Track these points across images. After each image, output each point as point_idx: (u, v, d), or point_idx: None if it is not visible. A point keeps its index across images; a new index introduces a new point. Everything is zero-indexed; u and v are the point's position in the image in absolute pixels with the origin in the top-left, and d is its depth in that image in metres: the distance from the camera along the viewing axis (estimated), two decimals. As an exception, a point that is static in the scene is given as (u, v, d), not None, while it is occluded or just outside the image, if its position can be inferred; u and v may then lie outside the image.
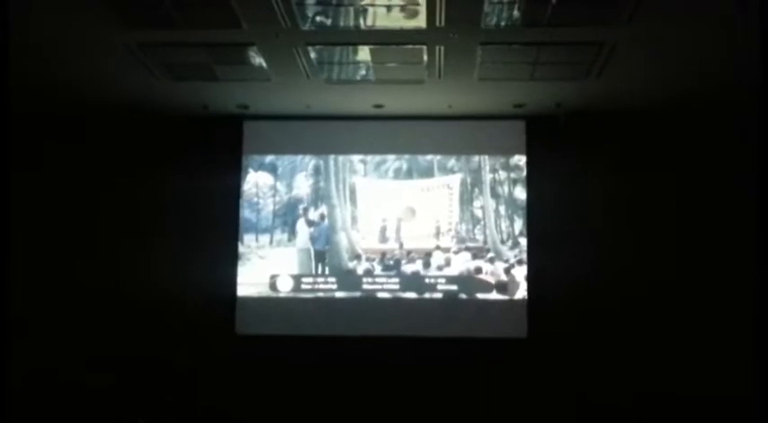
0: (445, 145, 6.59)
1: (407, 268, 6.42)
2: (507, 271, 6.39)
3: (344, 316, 6.41)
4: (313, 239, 6.56)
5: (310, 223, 6.60)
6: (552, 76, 5.45)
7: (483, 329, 6.30)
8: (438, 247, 6.44)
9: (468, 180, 6.57)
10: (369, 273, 6.44)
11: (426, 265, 6.42)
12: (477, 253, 6.41)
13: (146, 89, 5.85)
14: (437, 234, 6.50)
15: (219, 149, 6.63)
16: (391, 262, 6.44)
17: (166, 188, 6.60)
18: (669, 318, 6.14)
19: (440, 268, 6.40)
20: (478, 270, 6.39)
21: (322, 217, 6.60)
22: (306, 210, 6.61)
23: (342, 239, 6.53)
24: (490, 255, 6.40)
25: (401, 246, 6.49)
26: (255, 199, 6.63)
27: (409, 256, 6.44)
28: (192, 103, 6.21)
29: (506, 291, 6.39)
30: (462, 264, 6.41)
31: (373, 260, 6.46)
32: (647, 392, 5.85)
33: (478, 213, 6.50)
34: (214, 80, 5.63)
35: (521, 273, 6.39)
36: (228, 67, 5.39)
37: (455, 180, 6.58)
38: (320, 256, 6.52)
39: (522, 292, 6.38)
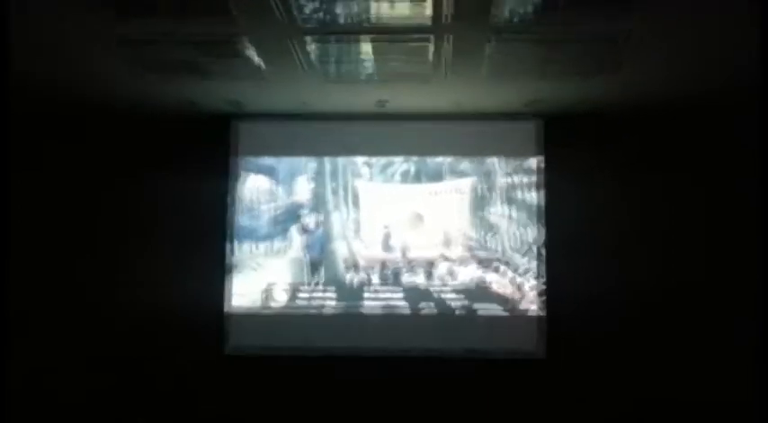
0: (453, 146, 6.37)
1: (407, 279, 6.23)
2: (521, 283, 6.18)
3: (343, 331, 6.20)
4: (307, 248, 6.37)
5: (304, 230, 6.40)
6: (568, 71, 5.23)
7: (497, 347, 6.08)
8: (444, 257, 6.24)
9: (481, 184, 6.33)
10: (368, 284, 6.25)
11: (429, 275, 6.22)
12: (487, 263, 6.21)
13: (124, 86, 5.62)
14: (446, 242, 6.28)
15: (208, 151, 6.40)
16: (389, 273, 6.25)
17: (149, 193, 6.41)
18: (702, 331, 5.93)
19: (442, 279, 6.20)
20: (486, 282, 6.19)
21: (317, 224, 6.43)
22: (299, 216, 6.42)
23: (338, 248, 6.32)
24: (501, 266, 6.19)
25: (404, 255, 6.28)
26: (253, 204, 6.41)
27: (411, 266, 6.25)
28: (178, 100, 5.99)
29: (521, 305, 6.16)
30: (468, 275, 6.20)
31: (371, 270, 6.28)
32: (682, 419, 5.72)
33: (491, 220, 6.28)
34: (202, 76, 5.37)
35: (537, 285, 6.15)
36: (217, 62, 5.15)
37: (466, 184, 6.33)
38: (314, 266, 6.32)
39: (539, 307, 6.12)
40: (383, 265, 6.28)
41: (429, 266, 6.25)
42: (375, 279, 6.26)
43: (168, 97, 5.96)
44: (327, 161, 6.46)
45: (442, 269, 6.25)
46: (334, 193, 6.42)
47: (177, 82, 5.59)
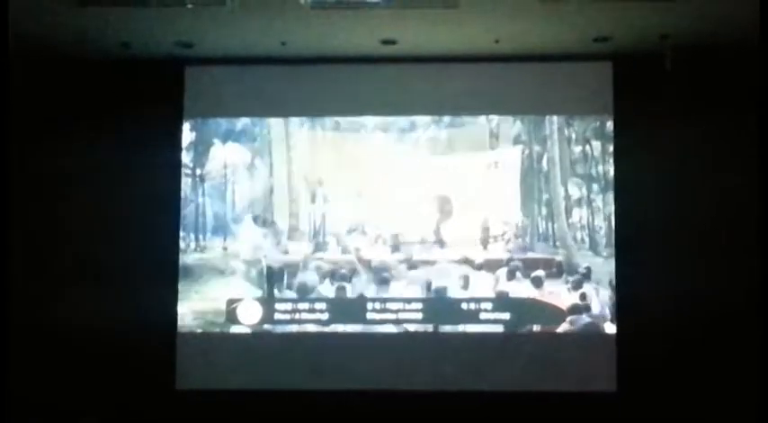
0: (490, 100, 6.11)
1: (396, 291, 5.89)
2: (580, 291, 5.82)
3: (340, 360, 5.92)
4: (263, 247, 6.09)
5: (263, 222, 6.10)
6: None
7: (550, 379, 5.76)
8: (466, 261, 5.87)
9: (534, 155, 6.06)
10: (373, 298, 5.95)
11: (427, 288, 5.88)
12: (527, 267, 5.85)
13: (38, 19, 5.31)
14: (484, 239, 5.92)
15: (150, 109, 6.05)
16: (372, 280, 5.89)
17: (71, 167, 6.06)
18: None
19: (439, 292, 5.85)
20: (503, 294, 5.85)
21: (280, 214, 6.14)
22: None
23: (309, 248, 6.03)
24: (555, 270, 5.86)
25: (409, 257, 5.95)
26: (224, 184, 6.20)
27: (408, 268, 5.90)
28: (108, 39, 5.68)
29: (582, 320, 5.85)
30: (485, 285, 5.83)
31: (350, 277, 5.96)
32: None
33: (549, 207, 6.03)
34: (140, 5, 5.08)
35: (604, 294, 5.85)
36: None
37: (513, 155, 6.04)
38: (273, 274, 6.02)
39: (608, 323, 5.84)
40: (368, 268, 5.99)
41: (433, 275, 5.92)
42: (350, 291, 5.98)
43: (93, 35, 5.65)
44: (317, 122, 6.22)
45: (451, 279, 5.90)
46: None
47: (104, 13, 5.23)
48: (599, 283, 5.86)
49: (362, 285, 6.03)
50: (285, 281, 6.05)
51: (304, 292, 6.03)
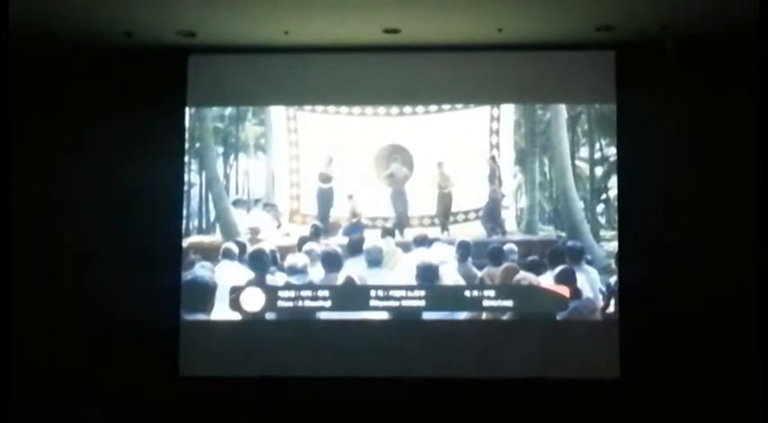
0: (495, 90, 6.11)
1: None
2: (583, 277, 5.80)
3: (342, 347, 5.89)
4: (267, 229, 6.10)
5: (264, 205, 6.10)
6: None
7: (552, 366, 5.74)
8: (452, 244, 5.94)
9: (537, 139, 6.12)
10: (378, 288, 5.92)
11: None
12: (530, 253, 5.89)
13: (39, 8, 5.29)
14: (485, 222, 5.99)
15: (153, 98, 6.06)
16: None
17: (73, 156, 6.07)
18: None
19: (426, 273, 5.83)
20: (506, 280, 5.85)
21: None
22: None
23: None
24: (538, 256, 5.89)
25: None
26: (226, 168, 6.32)
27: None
28: (110, 28, 5.67)
29: (586, 306, 5.82)
30: (486, 270, 5.84)
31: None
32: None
33: (546, 191, 6.11)
34: None
35: (606, 280, 5.84)
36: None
37: (515, 140, 6.07)
38: (273, 255, 6.01)
39: (611, 309, 5.80)
40: (363, 250, 6.01)
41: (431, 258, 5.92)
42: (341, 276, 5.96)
43: (95, 24, 5.65)
44: (318, 106, 6.24)
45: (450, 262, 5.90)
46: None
47: (107, 1, 5.26)
48: (601, 269, 5.85)
49: (355, 268, 5.98)
50: (279, 263, 6.00)
51: (294, 274, 5.96)
